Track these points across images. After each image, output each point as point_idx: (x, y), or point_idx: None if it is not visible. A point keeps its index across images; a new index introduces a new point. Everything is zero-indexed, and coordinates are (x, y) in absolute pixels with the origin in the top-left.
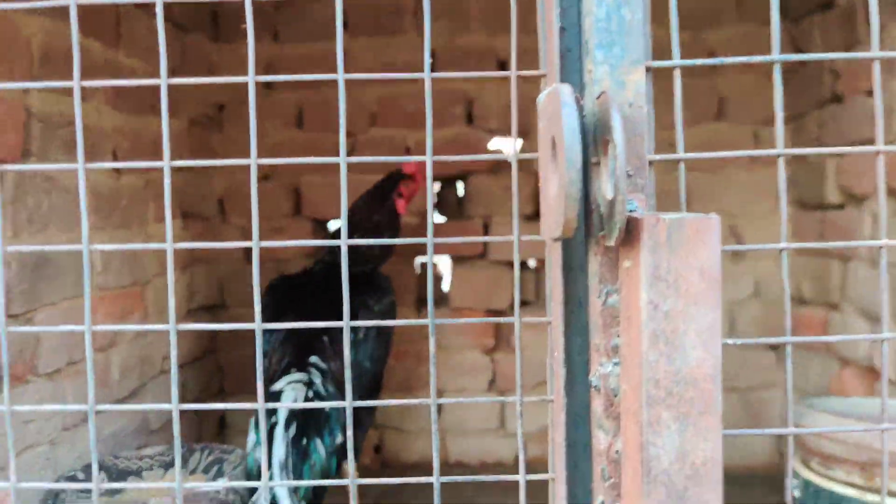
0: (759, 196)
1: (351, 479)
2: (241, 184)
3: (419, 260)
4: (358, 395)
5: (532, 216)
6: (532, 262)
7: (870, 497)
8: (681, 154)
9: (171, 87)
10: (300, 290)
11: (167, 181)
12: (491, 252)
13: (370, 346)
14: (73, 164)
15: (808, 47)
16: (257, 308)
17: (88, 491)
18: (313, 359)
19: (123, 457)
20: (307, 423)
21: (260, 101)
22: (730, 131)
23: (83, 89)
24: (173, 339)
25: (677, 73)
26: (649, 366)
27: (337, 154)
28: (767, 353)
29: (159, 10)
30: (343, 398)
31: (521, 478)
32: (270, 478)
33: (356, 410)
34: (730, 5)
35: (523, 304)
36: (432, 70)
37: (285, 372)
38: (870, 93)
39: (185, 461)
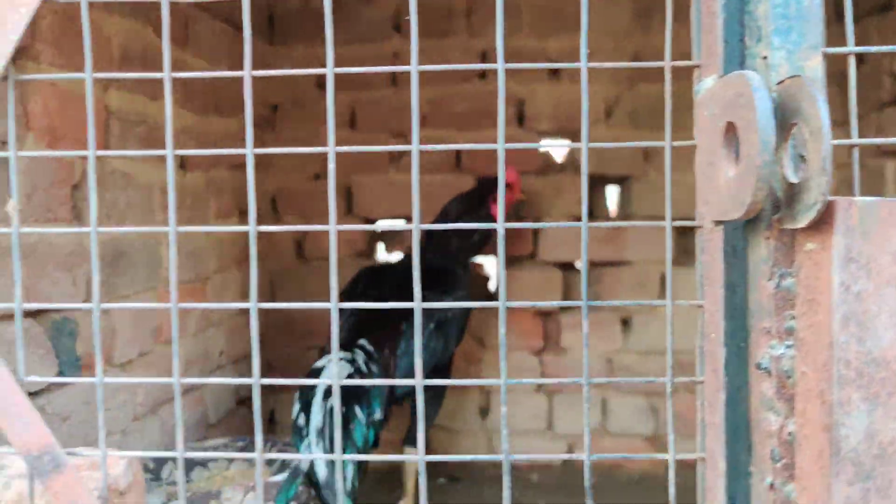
0: None
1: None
2: (293, 182)
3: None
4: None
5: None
6: (578, 264)
7: None
8: (854, 139)
9: (228, 89)
10: (381, 279)
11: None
12: (540, 253)
13: (434, 342)
14: (146, 162)
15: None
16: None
17: (158, 479)
18: (361, 341)
19: (188, 448)
20: (347, 395)
21: (315, 102)
22: None
23: (154, 89)
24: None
25: (852, 60)
26: (840, 347)
27: (388, 155)
28: None
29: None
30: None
31: (670, 456)
32: (308, 444)
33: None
34: None
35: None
36: (486, 74)
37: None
38: None
39: (244, 451)
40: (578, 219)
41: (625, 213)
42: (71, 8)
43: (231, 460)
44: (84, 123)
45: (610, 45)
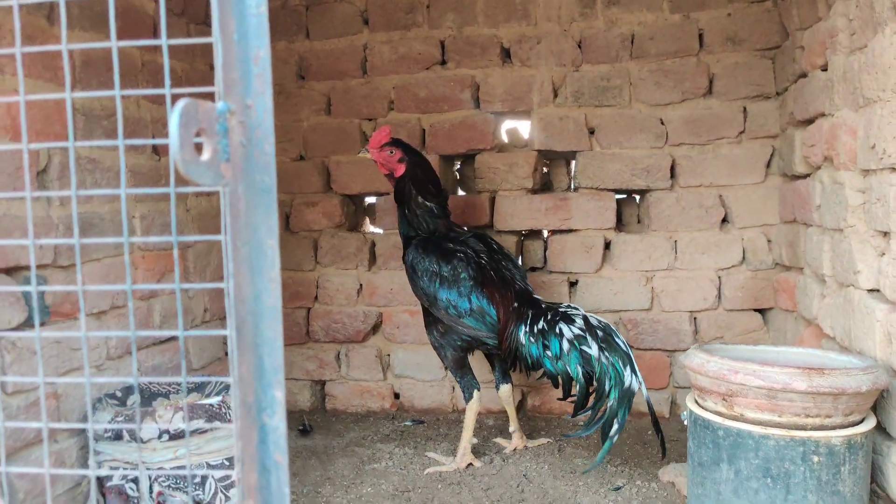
0: (745, 168)
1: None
2: (279, 164)
3: None
4: None
5: (536, 190)
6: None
7: (729, 422)
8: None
9: (204, 81)
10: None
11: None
12: (496, 223)
13: None
14: (114, 149)
15: (789, 24)
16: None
17: (123, 405)
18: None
19: (156, 383)
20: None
21: (295, 91)
22: (719, 106)
23: (125, 87)
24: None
25: None
26: None
27: (360, 137)
28: (754, 315)
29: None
30: None
31: None
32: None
33: None
34: None
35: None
36: (446, 61)
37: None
38: (824, 68)
39: (202, 387)
40: (529, 190)
41: (574, 184)
42: (34, 21)
43: (189, 392)
44: (47, 119)
45: (557, 29)
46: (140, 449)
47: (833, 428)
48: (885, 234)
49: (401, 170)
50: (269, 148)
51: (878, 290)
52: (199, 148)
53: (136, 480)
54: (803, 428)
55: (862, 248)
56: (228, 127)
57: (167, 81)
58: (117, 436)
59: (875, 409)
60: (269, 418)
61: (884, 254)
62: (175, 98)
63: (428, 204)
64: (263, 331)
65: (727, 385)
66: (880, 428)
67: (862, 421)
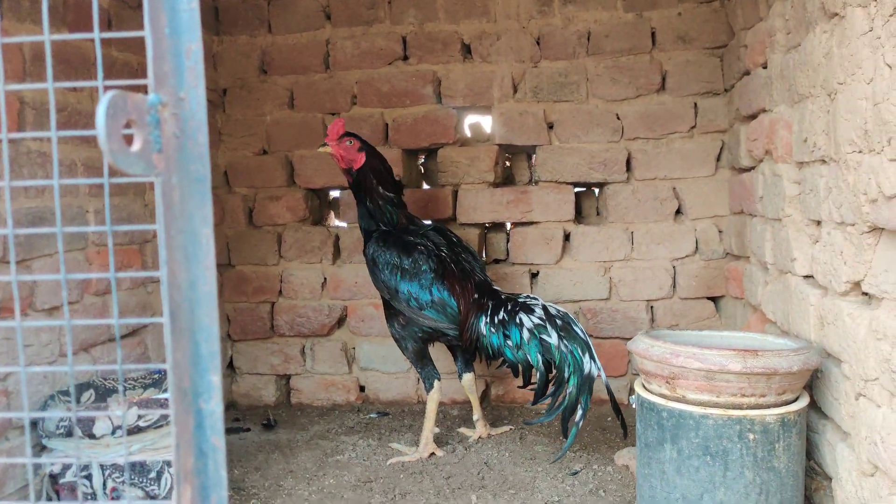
0: (697, 161)
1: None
2: (241, 158)
3: None
4: None
5: (498, 183)
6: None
7: (672, 404)
8: None
9: None
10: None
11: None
12: (459, 216)
13: None
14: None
15: (735, 24)
16: None
17: (79, 402)
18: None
19: (111, 378)
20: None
21: (257, 86)
22: (672, 102)
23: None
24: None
25: None
26: None
27: (324, 131)
28: (707, 303)
29: None
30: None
31: None
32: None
33: None
34: None
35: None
36: (408, 57)
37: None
38: (765, 66)
39: (160, 382)
40: (491, 184)
41: (534, 177)
42: None
43: (145, 387)
44: None
45: (516, 26)
46: (92, 445)
47: (767, 407)
48: (818, 222)
49: (361, 160)
50: (202, 139)
51: (811, 277)
52: (130, 140)
53: (89, 477)
54: (739, 407)
55: (798, 236)
56: (160, 118)
57: (100, 73)
58: (69, 432)
59: (811, 388)
60: (206, 403)
61: (817, 241)
62: (108, 90)
63: (388, 194)
64: (200, 317)
65: (670, 368)
66: (815, 407)
67: (795, 400)
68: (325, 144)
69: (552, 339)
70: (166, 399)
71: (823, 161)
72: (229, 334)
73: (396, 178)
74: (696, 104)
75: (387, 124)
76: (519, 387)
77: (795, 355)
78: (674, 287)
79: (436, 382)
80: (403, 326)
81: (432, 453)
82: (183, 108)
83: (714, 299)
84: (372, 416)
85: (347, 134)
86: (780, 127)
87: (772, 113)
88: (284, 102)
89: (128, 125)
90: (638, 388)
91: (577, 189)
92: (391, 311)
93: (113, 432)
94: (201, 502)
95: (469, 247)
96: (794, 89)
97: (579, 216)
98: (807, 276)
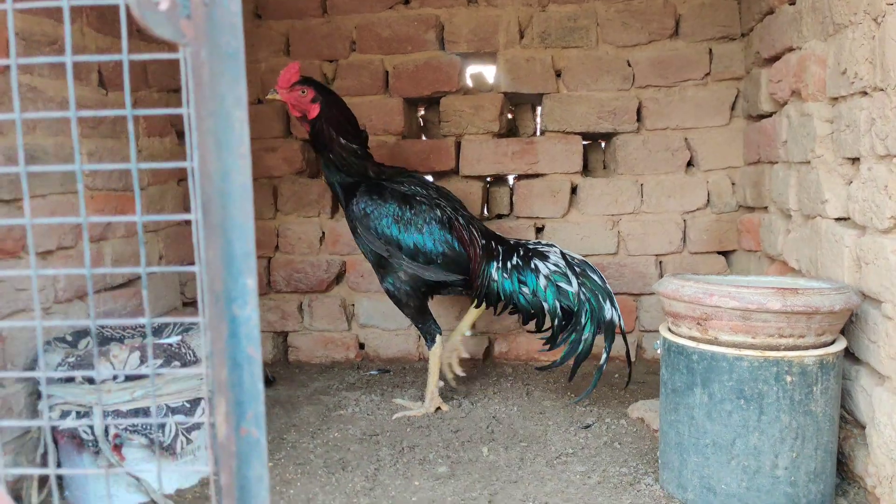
0: (711, 110)
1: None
2: None
3: None
4: None
5: (502, 134)
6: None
7: (703, 346)
8: None
9: None
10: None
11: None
12: (462, 169)
13: None
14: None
15: None
16: None
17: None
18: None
19: (109, 327)
20: None
21: (252, 31)
22: (686, 48)
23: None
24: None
25: None
26: None
27: (322, 79)
28: (718, 258)
29: None
30: None
31: None
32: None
33: None
34: None
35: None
36: (409, 0)
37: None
38: (792, 2)
39: (161, 331)
40: (495, 134)
41: (540, 128)
42: None
43: (144, 336)
44: None
45: None
46: (95, 391)
47: (806, 348)
48: (853, 160)
49: (315, 111)
50: (234, 7)
51: (845, 218)
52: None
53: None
54: (776, 348)
55: (829, 177)
56: None
57: None
58: (68, 378)
59: (844, 333)
60: (241, 309)
61: (851, 181)
62: None
63: (352, 146)
64: (232, 213)
65: (702, 309)
66: (849, 353)
67: (834, 342)
68: (274, 91)
69: (572, 286)
70: (170, 344)
71: (864, 93)
72: None
73: (361, 128)
74: (710, 50)
75: (387, 72)
76: (528, 331)
77: (837, 294)
78: (684, 241)
79: (437, 337)
80: (404, 281)
81: (438, 408)
82: None
83: (725, 254)
84: (373, 373)
85: (303, 80)
86: (812, 63)
87: (801, 51)
88: (280, 49)
89: None
90: (664, 332)
91: (584, 141)
92: (386, 267)
93: (115, 377)
94: (237, 417)
95: (449, 193)
96: (828, 21)
97: (585, 170)
98: (839, 219)
